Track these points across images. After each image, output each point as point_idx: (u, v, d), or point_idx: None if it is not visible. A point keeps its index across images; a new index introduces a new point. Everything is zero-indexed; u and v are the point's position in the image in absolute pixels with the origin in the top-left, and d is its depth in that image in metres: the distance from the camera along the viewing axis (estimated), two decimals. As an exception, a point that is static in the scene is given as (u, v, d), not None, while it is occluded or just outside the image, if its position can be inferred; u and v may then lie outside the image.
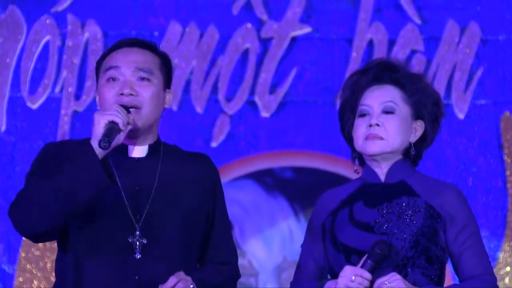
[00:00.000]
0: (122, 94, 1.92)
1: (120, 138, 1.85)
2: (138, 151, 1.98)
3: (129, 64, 1.95)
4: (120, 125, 1.83)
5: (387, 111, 1.99)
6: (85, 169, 1.80)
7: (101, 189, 1.83)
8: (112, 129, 1.82)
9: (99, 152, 1.82)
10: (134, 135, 1.94)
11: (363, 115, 2.01)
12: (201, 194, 2.01)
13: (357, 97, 2.03)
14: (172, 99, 2.09)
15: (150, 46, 2.04)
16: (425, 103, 2.01)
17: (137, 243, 1.90)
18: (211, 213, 2.03)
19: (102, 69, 1.99)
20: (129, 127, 1.88)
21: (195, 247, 1.99)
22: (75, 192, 1.79)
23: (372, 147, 1.98)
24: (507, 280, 4.03)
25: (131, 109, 1.91)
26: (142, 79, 1.95)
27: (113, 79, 1.95)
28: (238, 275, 2.09)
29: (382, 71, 2.04)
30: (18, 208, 1.86)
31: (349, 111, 2.05)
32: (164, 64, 2.04)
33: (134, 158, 1.98)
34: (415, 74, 2.09)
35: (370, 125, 1.98)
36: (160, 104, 2.01)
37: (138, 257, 1.89)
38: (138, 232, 1.91)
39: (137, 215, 1.92)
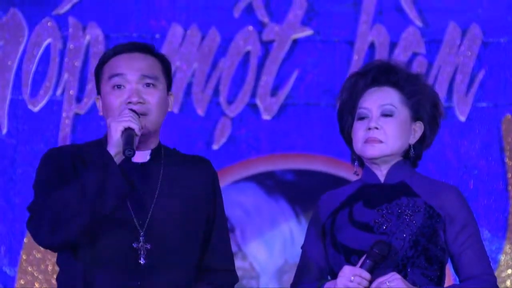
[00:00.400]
0: (130, 102, 1.92)
1: (136, 143, 1.86)
2: (141, 156, 1.97)
3: (134, 71, 1.95)
4: (136, 131, 1.83)
5: (386, 114, 1.99)
6: (108, 180, 1.80)
7: (123, 198, 1.84)
8: (130, 135, 1.82)
9: (117, 160, 1.83)
10: (140, 140, 1.93)
11: (362, 118, 2.01)
12: (202, 198, 2.01)
13: (356, 99, 2.03)
14: (173, 102, 2.10)
15: (151, 50, 2.04)
16: (424, 104, 2.01)
17: (142, 249, 1.90)
18: (211, 216, 2.03)
19: (104, 75, 1.98)
20: (142, 131, 1.88)
21: (195, 251, 1.99)
22: (99, 203, 1.79)
23: (371, 151, 1.98)
24: (508, 282, 4.02)
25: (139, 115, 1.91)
26: (148, 85, 1.95)
27: (119, 86, 1.95)
28: (236, 280, 2.09)
29: (380, 73, 2.04)
30: (38, 222, 1.85)
31: (348, 113, 2.05)
32: (165, 67, 2.04)
33: (137, 163, 1.97)
34: (413, 75, 2.08)
35: (369, 129, 1.98)
36: (165, 108, 2.01)
37: (143, 263, 1.89)
38: (142, 238, 1.91)
39: (140, 220, 1.92)
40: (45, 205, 1.84)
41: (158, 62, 2.02)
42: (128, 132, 1.82)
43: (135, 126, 1.83)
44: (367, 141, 1.97)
